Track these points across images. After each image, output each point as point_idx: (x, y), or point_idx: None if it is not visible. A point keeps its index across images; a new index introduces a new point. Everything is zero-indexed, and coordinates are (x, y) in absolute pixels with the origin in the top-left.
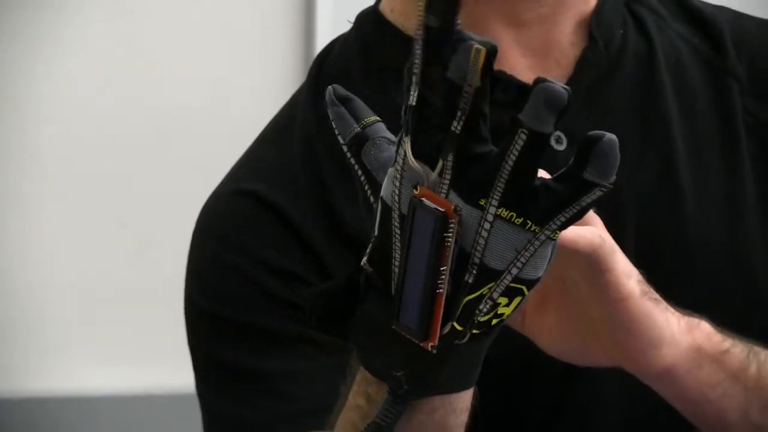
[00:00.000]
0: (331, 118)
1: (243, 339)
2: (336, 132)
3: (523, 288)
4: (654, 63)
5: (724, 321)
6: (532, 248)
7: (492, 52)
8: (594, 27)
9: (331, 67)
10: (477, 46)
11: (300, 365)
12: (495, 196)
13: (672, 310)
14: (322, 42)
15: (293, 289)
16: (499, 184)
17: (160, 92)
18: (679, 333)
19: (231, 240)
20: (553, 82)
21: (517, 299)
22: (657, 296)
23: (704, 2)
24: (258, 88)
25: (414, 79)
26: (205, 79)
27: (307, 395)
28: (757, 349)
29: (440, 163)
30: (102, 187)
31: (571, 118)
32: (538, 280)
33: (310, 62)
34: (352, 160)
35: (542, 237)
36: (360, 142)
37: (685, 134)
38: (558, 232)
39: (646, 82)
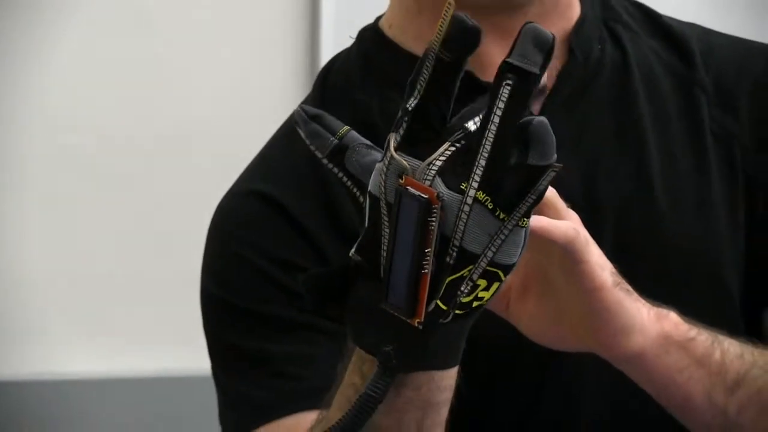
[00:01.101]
0: (303, 136)
1: (252, 325)
2: (312, 148)
3: (499, 272)
4: (629, 73)
5: (694, 314)
6: (503, 234)
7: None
8: (574, 42)
9: (334, 78)
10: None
11: (304, 349)
12: (475, 177)
13: (642, 300)
14: (326, 56)
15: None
16: (484, 150)
17: (177, 101)
18: (648, 321)
19: (242, 236)
20: (539, 26)
21: (496, 284)
22: (629, 287)
23: (675, 19)
24: (267, 97)
25: (418, 87)
26: (220, 88)
27: (311, 376)
28: (721, 337)
29: (445, 145)
30: (120, 187)
31: (552, 126)
32: (512, 266)
33: (315, 74)
34: (335, 170)
35: (510, 225)
36: (340, 151)
37: (657, 139)
38: (524, 219)
39: (622, 91)
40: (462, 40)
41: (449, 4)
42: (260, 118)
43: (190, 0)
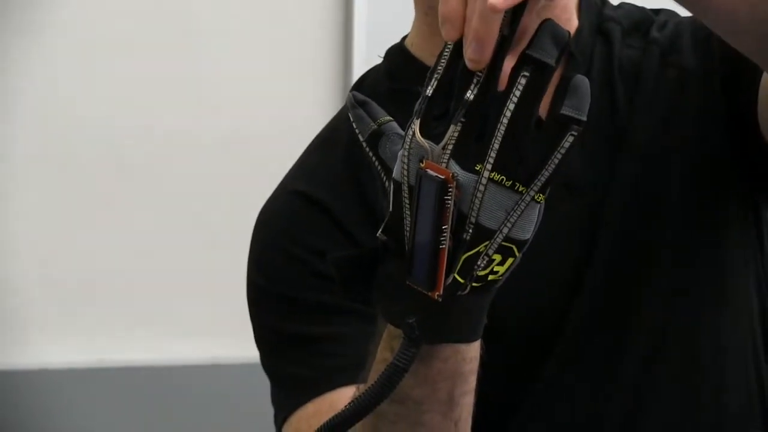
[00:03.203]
0: (351, 119)
1: (295, 311)
2: (356, 131)
3: (514, 248)
4: (611, 65)
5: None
6: (519, 210)
7: (522, 3)
8: (575, 47)
9: (365, 92)
10: None
11: (343, 330)
12: (489, 160)
13: None
14: (357, 71)
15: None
16: (498, 135)
17: (228, 110)
18: None
19: (285, 231)
20: (556, 23)
21: (510, 259)
22: None
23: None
24: (305, 108)
25: (435, 75)
26: (267, 103)
27: (350, 353)
28: None
29: (451, 128)
30: (178, 189)
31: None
32: (526, 241)
33: (347, 88)
34: (370, 153)
35: (527, 198)
36: (376, 137)
37: (629, 117)
38: (540, 194)
39: (604, 83)
40: None
41: None
42: (300, 126)
43: (234, 19)
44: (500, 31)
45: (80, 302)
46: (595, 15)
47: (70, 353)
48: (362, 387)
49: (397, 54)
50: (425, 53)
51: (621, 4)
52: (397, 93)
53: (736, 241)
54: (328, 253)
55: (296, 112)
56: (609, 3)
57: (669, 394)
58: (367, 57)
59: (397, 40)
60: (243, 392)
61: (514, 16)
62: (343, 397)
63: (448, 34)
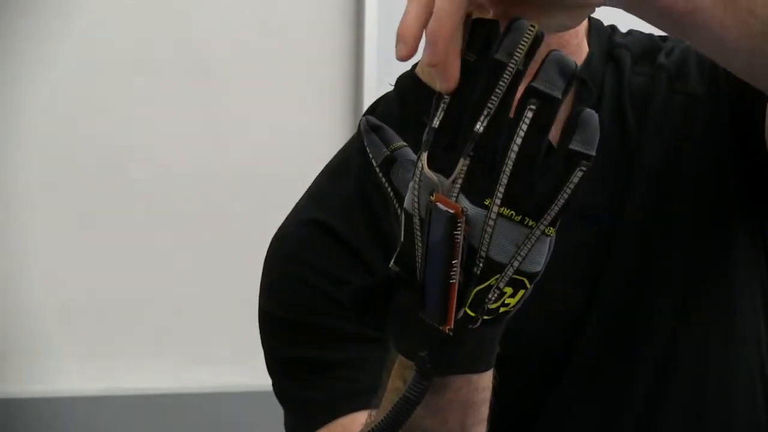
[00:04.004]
0: (365, 144)
1: (308, 337)
2: (370, 156)
3: (525, 280)
4: (621, 91)
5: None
6: (529, 243)
7: (539, 37)
8: (586, 74)
9: (377, 118)
10: (530, 26)
11: (355, 355)
12: (498, 195)
13: None
14: (368, 99)
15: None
16: (506, 169)
17: (239, 140)
18: None
19: (298, 258)
20: (563, 53)
21: (521, 291)
22: None
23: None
24: (316, 137)
25: (441, 105)
26: (278, 131)
27: (362, 378)
28: None
29: (461, 162)
30: (190, 219)
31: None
32: (537, 273)
33: (358, 116)
34: (383, 179)
35: (537, 232)
36: (389, 163)
37: (639, 142)
38: (551, 228)
39: (615, 108)
40: (480, 34)
41: (469, 16)
42: (310, 154)
43: (245, 47)
44: (515, 65)
45: (94, 329)
46: (606, 41)
47: (84, 380)
48: (374, 413)
49: (408, 81)
50: (434, 80)
51: (630, 32)
52: (408, 120)
53: (744, 261)
54: (339, 278)
55: (306, 139)
56: (618, 30)
57: (676, 415)
58: (377, 85)
59: (408, 67)
60: (257, 419)
61: (530, 50)
62: (355, 421)
63: (400, 53)
